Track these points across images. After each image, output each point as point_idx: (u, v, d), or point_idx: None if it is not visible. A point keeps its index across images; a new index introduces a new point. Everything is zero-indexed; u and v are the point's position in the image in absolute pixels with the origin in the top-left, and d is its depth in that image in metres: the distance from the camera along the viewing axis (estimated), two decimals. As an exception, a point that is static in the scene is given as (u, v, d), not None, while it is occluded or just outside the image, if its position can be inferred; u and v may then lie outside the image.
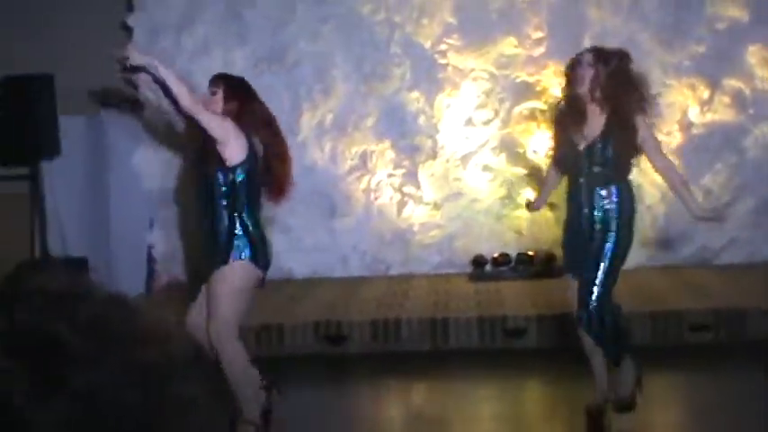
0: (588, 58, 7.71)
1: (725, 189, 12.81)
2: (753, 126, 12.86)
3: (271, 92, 12.99)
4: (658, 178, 12.67)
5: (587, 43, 12.65)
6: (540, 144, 12.92)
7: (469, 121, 13.06)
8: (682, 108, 12.88)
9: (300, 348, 10.35)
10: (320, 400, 9.28)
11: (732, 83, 12.89)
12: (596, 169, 7.71)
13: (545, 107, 12.87)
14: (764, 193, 12.80)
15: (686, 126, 12.89)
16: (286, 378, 9.77)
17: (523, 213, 12.93)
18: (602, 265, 7.66)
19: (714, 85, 12.86)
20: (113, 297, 1.22)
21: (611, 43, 12.57)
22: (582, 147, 7.69)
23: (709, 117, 12.90)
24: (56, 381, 1.09)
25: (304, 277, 12.94)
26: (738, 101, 12.88)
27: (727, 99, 12.88)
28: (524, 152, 12.99)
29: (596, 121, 7.65)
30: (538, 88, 12.97)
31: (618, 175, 7.85)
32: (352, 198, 13.15)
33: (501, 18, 12.94)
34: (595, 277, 7.63)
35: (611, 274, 7.75)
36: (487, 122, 13.03)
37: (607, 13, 12.88)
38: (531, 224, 12.90)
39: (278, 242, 13.00)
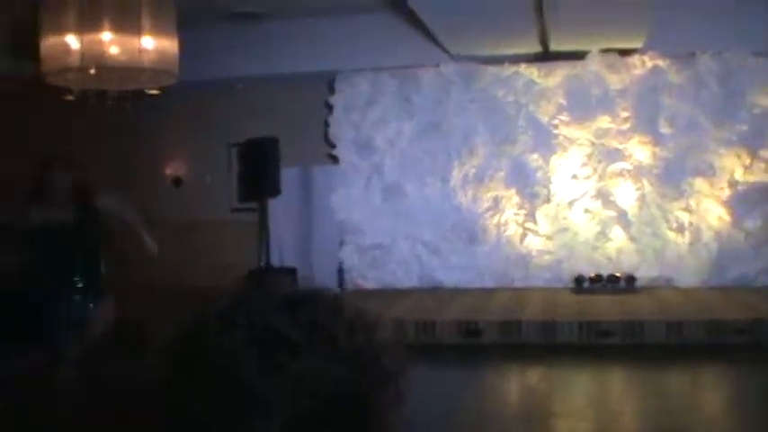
0: None
1: (761, 231, 12.63)
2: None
3: (430, 152, 13.26)
4: (713, 221, 12.67)
5: (661, 121, 12.69)
6: (625, 194, 12.91)
7: (575, 176, 13.05)
8: (730, 170, 12.71)
9: (447, 339, 10.41)
10: (460, 377, 9.36)
11: (766, 153, 12.71)
12: None
13: (630, 167, 12.87)
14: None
15: (733, 184, 12.72)
16: (436, 361, 9.97)
17: (613, 244, 12.94)
18: None
19: (754, 154, 12.67)
20: (327, 297, 1.23)
21: (678, 123, 12.65)
22: None
23: (750, 178, 12.70)
24: (277, 365, 1.09)
25: (451, 287, 12.98)
26: (772, 166, 12.73)
27: (763, 165, 12.66)
28: (614, 200, 12.94)
29: None
30: (626, 153, 12.90)
31: None
32: (487, 230, 13.19)
33: (599, 102, 12.88)
34: None
35: None
36: (588, 177, 12.99)
37: (675, 100, 12.73)
38: (618, 253, 12.88)
39: (432, 261, 13.22)
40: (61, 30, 9.76)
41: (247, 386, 1.09)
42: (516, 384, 9.27)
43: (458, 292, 12.57)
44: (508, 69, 13.14)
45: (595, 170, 12.97)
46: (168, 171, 14.63)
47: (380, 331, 1.22)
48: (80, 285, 7.24)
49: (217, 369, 1.10)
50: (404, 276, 13.28)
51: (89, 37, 9.72)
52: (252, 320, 1.14)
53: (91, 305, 7.29)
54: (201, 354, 1.13)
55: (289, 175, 12.99)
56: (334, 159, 13.64)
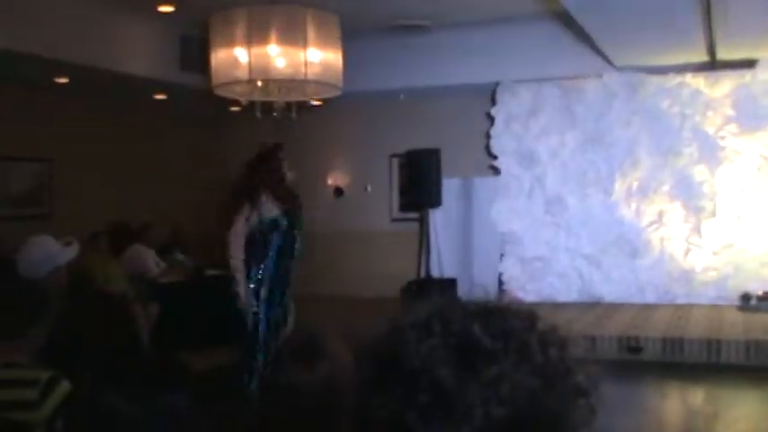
0: None
1: None
2: None
3: (593, 164, 13.04)
4: None
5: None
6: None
7: (742, 190, 12.60)
8: None
9: (607, 354, 10.21)
10: (621, 395, 9.18)
11: None
12: None
13: (801, 180, 12.38)
14: None
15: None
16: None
17: (783, 260, 12.47)
18: None
19: None
20: (520, 310, 1.24)
21: None
22: None
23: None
24: (472, 371, 1.12)
25: (612, 301, 12.73)
26: None
27: None
28: (786, 214, 12.47)
29: None
30: (795, 165, 12.44)
31: None
32: (649, 244, 12.88)
33: (769, 112, 12.49)
34: None
35: None
36: (757, 191, 12.53)
37: None
38: (789, 269, 12.40)
39: (593, 274, 13.00)
40: (230, 43, 10.03)
41: (443, 390, 1.12)
42: (677, 404, 9.01)
43: (618, 307, 12.31)
44: (673, 79, 12.82)
45: (765, 183, 12.49)
46: (330, 181, 14.83)
47: (573, 347, 1.23)
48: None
49: (415, 373, 1.14)
50: (563, 289, 13.09)
51: (256, 50, 9.96)
52: (448, 328, 1.17)
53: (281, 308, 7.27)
54: (400, 359, 1.16)
55: (450, 186, 13.02)
56: (496, 171, 13.59)
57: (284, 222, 7.03)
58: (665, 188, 12.88)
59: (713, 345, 10.00)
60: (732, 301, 12.15)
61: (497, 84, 13.43)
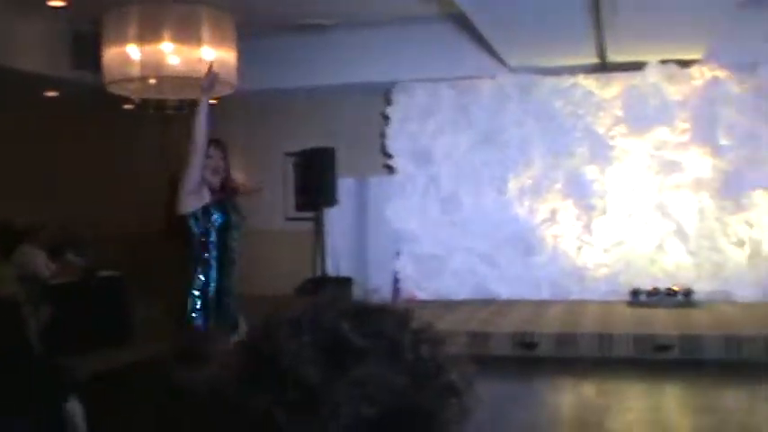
0: None
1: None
2: None
3: (487, 163, 13.19)
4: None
5: (721, 133, 12.50)
6: (683, 207, 12.71)
7: (632, 188, 12.88)
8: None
9: (501, 351, 10.34)
10: (515, 389, 9.28)
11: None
12: None
13: (689, 180, 12.68)
14: None
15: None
16: (490, 373, 9.89)
17: (670, 258, 12.76)
18: None
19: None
20: (395, 309, 1.23)
21: (738, 135, 12.44)
22: None
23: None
24: (340, 369, 1.11)
25: (506, 298, 12.86)
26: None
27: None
28: (672, 212, 12.72)
29: None
30: (684, 165, 12.70)
31: None
32: (543, 242, 13.07)
33: (657, 113, 12.72)
34: None
35: None
36: (645, 189, 12.83)
37: (734, 111, 12.53)
38: (675, 266, 12.69)
39: (487, 272, 13.13)
40: (123, 40, 9.89)
41: (310, 388, 1.11)
42: (570, 398, 9.16)
43: (513, 304, 12.46)
44: (566, 81, 13.04)
45: (653, 182, 12.79)
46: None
47: (447, 345, 1.21)
48: None
49: (283, 370, 1.13)
50: (459, 287, 13.20)
51: (149, 47, 9.84)
52: (317, 326, 1.16)
53: None
54: (270, 355, 1.15)
55: (345, 186, 13.03)
56: (391, 170, 13.63)
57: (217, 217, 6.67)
58: (558, 187, 13.08)
59: (604, 339, 10.20)
60: (623, 297, 12.38)
61: (393, 83, 13.48)
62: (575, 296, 12.82)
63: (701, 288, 12.34)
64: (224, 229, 6.41)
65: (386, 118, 13.59)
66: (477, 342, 10.34)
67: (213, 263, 6.38)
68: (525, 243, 13.05)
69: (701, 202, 12.66)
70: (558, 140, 13.06)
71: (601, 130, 12.96)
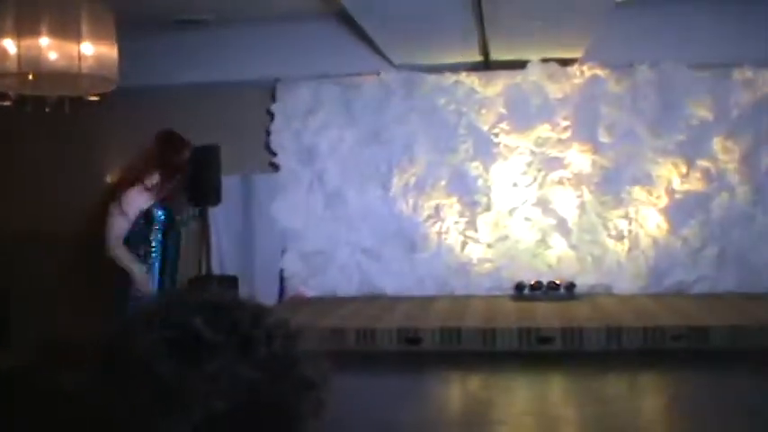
0: None
1: (697, 239, 12.78)
2: (716, 194, 12.78)
3: (371, 160, 13.19)
4: (651, 229, 12.78)
5: (601, 130, 12.76)
6: (564, 202, 12.95)
7: (515, 184, 13.05)
8: (667, 179, 12.82)
9: (388, 347, 10.36)
10: (401, 385, 9.31)
11: (702, 162, 12.80)
12: None
13: (570, 176, 12.92)
14: (724, 242, 12.71)
15: (670, 192, 12.83)
16: (376, 369, 9.92)
17: (553, 252, 12.98)
18: None
19: (690, 163, 12.80)
20: (249, 304, 1.24)
21: (617, 132, 12.74)
22: None
23: (686, 186, 12.82)
24: (192, 365, 1.11)
25: (392, 294, 12.90)
26: (706, 175, 12.81)
27: (699, 174, 12.81)
28: (554, 207, 12.96)
29: None
30: (565, 162, 12.95)
31: None
32: (428, 238, 13.14)
33: (539, 110, 12.92)
34: None
35: None
36: (528, 185, 13.01)
37: (614, 109, 12.81)
38: (558, 260, 12.92)
39: (372, 268, 13.16)
40: (-2, 34, 9.59)
41: (162, 383, 1.10)
42: (456, 392, 9.24)
43: (398, 300, 12.50)
44: (449, 78, 13.13)
45: (535, 178, 13.00)
46: (109, 180, 14.40)
47: (302, 340, 1.22)
48: None
49: (136, 366, 1.11)
50: (344, 284, 13.19)
51: (27, 42, 9.56)
52: (170, 321, 1.15)
53: None
54: (124, 352, 1.14)
55: (230, 184, 12.82)
56: (276, 167, 13.52)
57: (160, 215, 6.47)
58: (442, 183, 13.16)
59: (488, 333, 10.31)
60: (507, 291, 12.56)
61: (278, 80, 13.39)
62: (459, 291, 12.93)
63: (583, 281, 12.61)
64: (167, 229, 6.31)
65: (270, 115, 13.49)
66: (365, 338, 10.37)
67: (155, 262, 6.26)
68: (410, 239, 13.11)
69: (581, 198, 12.90)
70: (441, 137, 13.13)
71: (484, 128, 13.08)
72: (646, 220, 12.89)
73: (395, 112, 13.19)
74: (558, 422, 7.74)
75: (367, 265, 13.21)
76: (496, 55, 12.60)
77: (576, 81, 12.97)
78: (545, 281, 12.51)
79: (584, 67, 12.94)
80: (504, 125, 13.06)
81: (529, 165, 13.02)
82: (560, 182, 12.95)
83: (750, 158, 12.77)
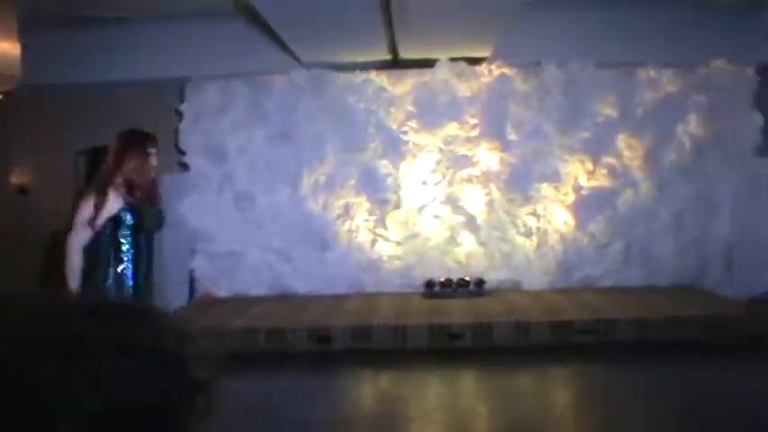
0: None
1: (603, 234, 13.01)
2: (622, 190, 13.04)
3: (281, 160, 13.13)
4: (559, 225, 12.96)
5: (509, 129, 12.90)
6: (473, 199, 13.05)
7: (424, 182, 13.12)
8: (574, 176, 13.05)
9: (299, 346, 10.34)
10: (312, 383, 9.28)
11: (608, 159, 13.06)
12: None
13: (479, 173, 13.02)
14: (629, 237, 12.98)
15: (577, 189, 13.05)
16: (287, 368, 9.88)
17: (462, 249, 13.08)
18: None
19: (596, 160, 13.04)
20: (133, 306, 1.22)
21: (525, 130, 12.89)
22: None
23: (592, 183, 13.06)
24: (74, 367, 1.08)
25: (303, 293, 12.90)
26: (612, 172, 13.06)
27: (605, 171, 13.06)
28: (463, 205, 13.07)
29: None
30: (474, 160, 13.06)
31: None
32: (338, 236, 13.16)
33: (447, 109, 13.02)
34: None
35: None
36: (437, 183, 13.10)
37: (522, 107, 12.99)
38: (467, 257, 13.03)
39: (284, 267, 13.11)
40: None
41: (43, 386, 1.07)
42: (368, 390, 9.24)
43: (309, 299, 12.49)
44: (359, 77, 13.14)
45: (444, 176, 13.09)
46: (14, 179, 14.12)
47: (191, 342, 1.20)
48: None
49: (18, 369, 1.08)
50: (255, 284, 13.12)
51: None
52: (56, 321, 1.14)
53: None
54: (7, 354, 1.10)
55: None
56: (185, 167, 13.39)
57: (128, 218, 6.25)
58: (352, 182, 13.17)
59: (399, 331, 10.34)
60: (417, 289, 12.64)
61: (186, 79, 13.25)
62: (370, 289, 12.98)
63: (493, 277, 12.75)
64: (138, 232, 6.13)
65: (179, 114, 13.35)
66: (275, 338, 10.32)
67: (129, 265, 6.07)
68: (320, 238, 13.10)
69: (490, 195, 13.03)
70: (351, 136, 13.14)
71: (393, 126, 13.13)
72: (553, 216, 13.07)
73: (304, 111, 13.16)
74: (469, 417, 7.79)
75: (277, 265, 13.16)
76: (405, 54, 12.64)
77: (485, 80, 13.08)
78: (455, 278, 12.61)
79: (493, 67, 13.07)
80: (413, 123, 13.12)
81: (438, 163, 13.09)
82: (469, 180, 13.06)
83: (653, 155, 13.04)
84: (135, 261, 6.11)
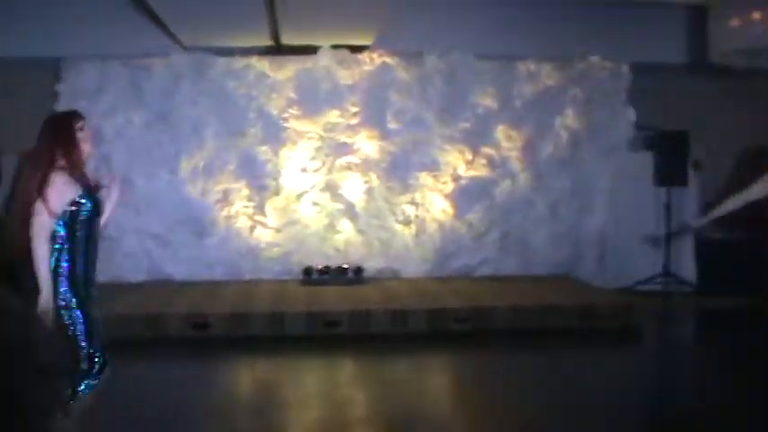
0: None
1: (481, 223, 13.22)
2: (500, 180, 13.27)
3: (159, 144, 12.95)
4: (438, 214, 13.11)
5: (389, 117, 12.98)
6: (353, 187, 13.10)
7: (304, 169, 13.09)
8: (453, 166, 13.20)
9: (175, 332, 10.22)
10: (188, 371, 9.20)
11: (487, 150, 13.26)
12: None
13: (358, 161, 13.07)
14: (507, 227, 13.23)
15: (456, 178, 13.21)
16: (164, 355, 9.77)
17: (341, 236, 13.12)
18: None
19: (475, 150, 13.23)
20: None
21: (405, 119, 12.99)
22: None
23: (471, 173, 13.24)
24: None
25: (180, 279, 12.76)
26: (491, 162, 13.27)
27: (483, 161, 13.25)
28: (342, 193, 13.10)
29: None
30: (354, 147, 13.10)
31: None
32: (216, 222, 13.04)
33: (328, 96, 13.03)
34: None
35: None
36: (317, 170, 13.09)
37: (403, 96, 13.09)
38: (346, 245, 13.07)
39: (161, 253, 12.94)
40: None
41: None
42: (245, 376, 9.21)
43: (187, 285, 12.36)
44: (240, 62, 13.04)
45: (324, 163, 13.09)
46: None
47: (38, 328, 1.19)
48: None
49: None
50: (132, 269, 12.91)
51: None
52: None
53: None
54: None
55: (10, 165, 12.37)
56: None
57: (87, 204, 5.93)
58: (231, 168, 13.07)
59: (277, 317, 10.32)
60: (296, 276, 12.63)
61: (63, 59, 12.94)
62: (249, 276, 12.92)
63: (371, 265, 12.83)
64: (92, 218, 5.87)
65: (55, 95, 13.03)
66: (152, 324, 10.19)
67: (80, 253, 5.79)
68: (198, 224, 12.97)
69: (369, 183, 13.09)
70: (231, 121, 13.03)
71: (274, 112, 13.07)
72: (432, 205, 13.21)
73: (184, 95, 13.00)
74: (346, 403, 7.83)
75: (155, 251, 12.99)
76: (287, 40, 12.59)
77: (366, 68, 13.13)
78: (333, 265, 12.64)
79: (375, 55, 13.12)
80: (293, 110, 13.08)
81: (318, 150, 13.09)
82: (348, 167, 13.10)
83: (531, 147, 13.30)
84: (86, 248, 5.89)
